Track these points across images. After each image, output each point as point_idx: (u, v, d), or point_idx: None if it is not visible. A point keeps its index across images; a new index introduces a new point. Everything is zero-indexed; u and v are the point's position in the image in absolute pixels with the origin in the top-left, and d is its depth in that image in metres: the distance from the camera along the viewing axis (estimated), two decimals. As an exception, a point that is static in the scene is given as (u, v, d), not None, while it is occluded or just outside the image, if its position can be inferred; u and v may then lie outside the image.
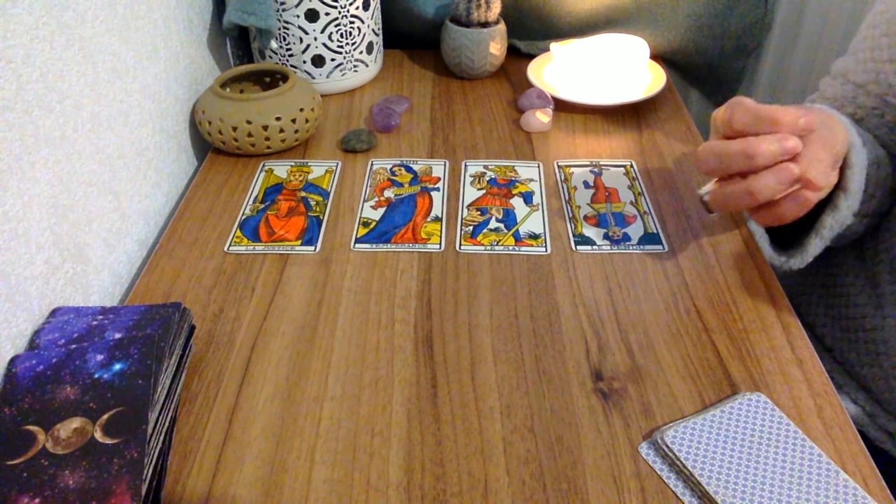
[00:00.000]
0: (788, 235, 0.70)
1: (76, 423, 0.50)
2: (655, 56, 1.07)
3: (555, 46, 0.99)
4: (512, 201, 0.80)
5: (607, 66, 0.96)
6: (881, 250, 0.71)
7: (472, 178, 0.84)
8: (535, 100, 0.95)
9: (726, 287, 0.68)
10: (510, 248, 0.73)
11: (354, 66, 1.00)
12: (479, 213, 0.78)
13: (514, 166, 0.86)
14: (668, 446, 0.53)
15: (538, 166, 0.86)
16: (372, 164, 0.87)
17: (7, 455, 0.49)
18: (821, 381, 0.59)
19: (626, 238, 0.74)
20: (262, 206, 0.80)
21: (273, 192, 0.82)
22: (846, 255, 0.76)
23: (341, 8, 0.94)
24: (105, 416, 0.51)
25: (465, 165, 0.86)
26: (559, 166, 0.86)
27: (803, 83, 1.13)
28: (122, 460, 0.48)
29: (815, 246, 0.66)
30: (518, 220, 0.77)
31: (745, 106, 0.57)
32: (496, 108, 0.98)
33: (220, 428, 0.56)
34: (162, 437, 0.53)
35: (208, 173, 0.85)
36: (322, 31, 0.95)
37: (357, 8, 0.96)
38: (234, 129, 0.84)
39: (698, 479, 0.51)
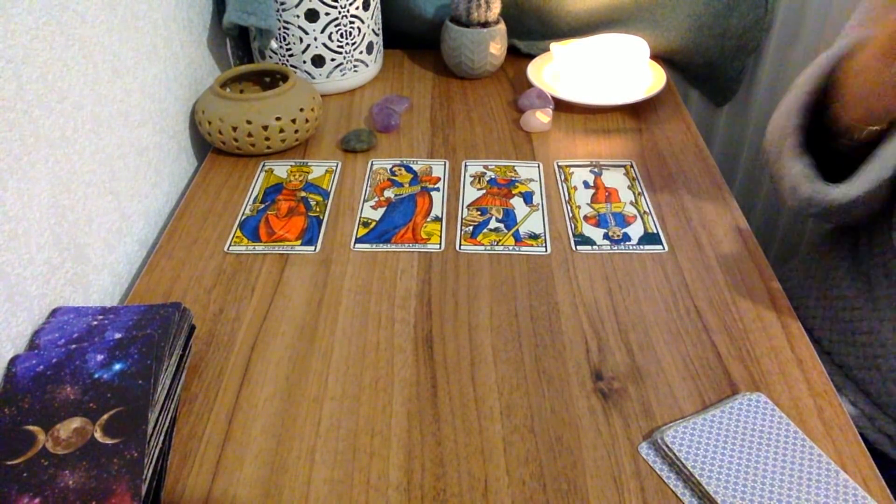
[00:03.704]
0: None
1: (76, 423, 0.50)
2: (655, 56, 1.07)
3: (555, 46, 0.99)
4: (512, 201, 0.80)
5: (607, 66, 0.96)
6: (876, 253, 0.70)
7: (472, 178, 0.84)
8: (535, 100, 0.95)
9: (726, 287, 0.68)
10: (510, 248, 0.73)
11: (354, 66, 1.00)
12: (479, 213, 0.78)
13: (514, 166, 0.86)
14: (668, 446, 0.53)
15: (538, 166, 0.86)
16: (372, 164, 0.87)
17: (7, 455, 0.48)
18: (821, 381, 0.59)
19: (626, 238, 0.74)
20: (262, 206, 0.80)
21: (273, 192, 0.82)
22: (842, 258, 0.76)
23: (341, 8, 0.94)
24: (105, 416, 0.51)
25: (465, 165, 0.86)
26: (559, 166, 0.86)
27: (803, 83, 1.13)
28: (122, 460, 0.48)
29: (875, 168, 0.62)
30: (518, 220, 0.77)
31: None
32: (496, 108, 0.98)
33: (220, 428, 0.56)
34: (162, 437, 0.53)
35: (208, 173, 0.85)
36: (322, 31, 0.95)
37: (357, 8, 0.96)
38: (234, 129, 0.84)
39: (698, 479, 0.51)
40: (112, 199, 0.71)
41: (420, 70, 1.08)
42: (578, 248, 0.73)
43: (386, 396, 0.58)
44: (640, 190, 0.81)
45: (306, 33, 0.95)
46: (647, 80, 0.99)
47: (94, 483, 0.47)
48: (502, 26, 1.02)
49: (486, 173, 0.85)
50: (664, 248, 0.73)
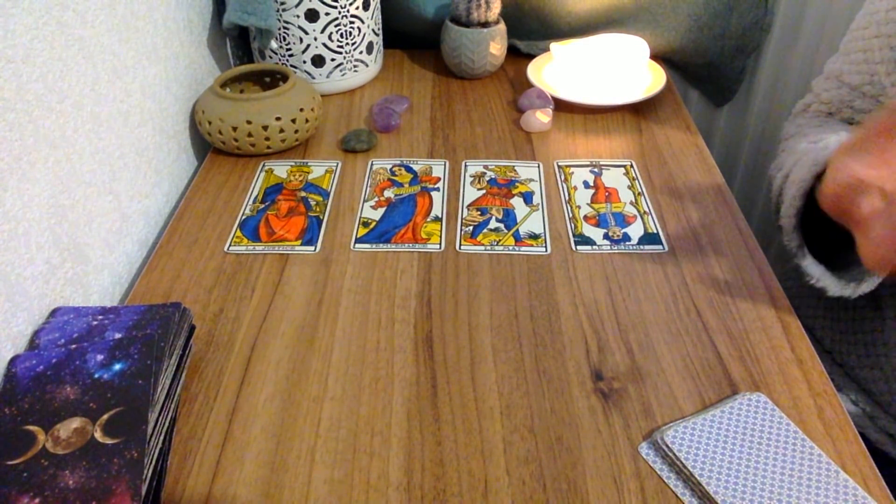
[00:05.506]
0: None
1: (76, 423, 0.50)
2: (655, 56, 1.07)
3: (555, 46, 0.99)
4: (512, 201, 0.80)
5: (607, 66, 0.96)
6: None
7: (472, 178, 0.84)
8: (535, 100, 0.95)
9: (726, 287, 0.68)
10: (510, 248, 0.73)
11: (354, 66, 1.00)
12: (479, 213, 0.78)
13: (514, 166, 0.86)
14: (668, 446, 0.53)
15: (538, 166, 0.86)
16: (372, 164, 0.87)
17: (7, 455, 0.49)
18: (821, 381, 0.59)
19: (626, 238, 0.74)
20: (262, 206, 0.80)
21: (273, 192, 0.82)
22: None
23: (341, 8, 0.94)
24: (105, 416, 0.51)
25: (465, 165, 0.86)
26: (559, 166, 0.86)
27: (803, 83, 1.13)
28: (122, 460, 0.48)
29: None
30: (518, 220, 0.77)
31: None
32: (496, 108, 0.98)
33: (220, 428, 0.56)
34: (162, 437, 0.53)
35: (208, 173, 0.85)
36: (322, 31, 0.95)
37: (357, 8, 0.96)
38: (234, 129, 0.84)
39: (698, 479, 0.51)
40: (112, 199, 0.71)
41: (420, 70, 1.08)
42: (578, 248, 0.73)
43: (386, 396, 0.58)
44: (640, 190, 0.81)
45: (306, 33, 0.95)
46: (647, 80, 0.99)
47: (94, 483, 0.47)
48: (502, 26, 1.02)
49: (486, 173, 0.85)
50: (664, 248, 0.73)
